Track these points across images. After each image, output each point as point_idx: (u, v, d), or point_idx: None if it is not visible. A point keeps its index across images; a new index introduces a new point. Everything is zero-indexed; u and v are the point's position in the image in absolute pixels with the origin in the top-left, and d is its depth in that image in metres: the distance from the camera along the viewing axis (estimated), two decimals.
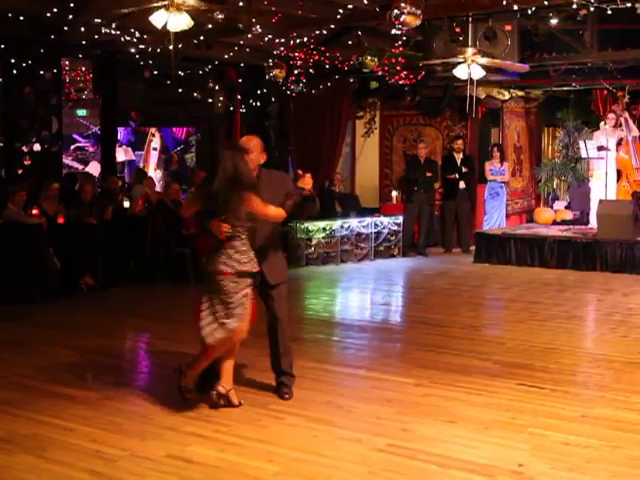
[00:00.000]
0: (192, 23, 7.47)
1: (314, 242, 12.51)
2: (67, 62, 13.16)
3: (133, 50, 11.10)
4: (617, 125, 13.60)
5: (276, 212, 5.46)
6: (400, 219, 13.63)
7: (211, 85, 13.84)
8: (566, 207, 15.26)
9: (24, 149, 11.08)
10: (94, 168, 15.34)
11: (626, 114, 13.70)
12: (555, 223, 14.37)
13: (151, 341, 7.99)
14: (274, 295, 5.76)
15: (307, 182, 5.57)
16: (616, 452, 4.78)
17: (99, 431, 5.11)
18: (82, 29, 10.24)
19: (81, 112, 16.26)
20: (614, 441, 4.94)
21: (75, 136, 16.71)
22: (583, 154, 13.54)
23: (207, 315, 5.38)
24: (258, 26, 10.45)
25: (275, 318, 5.78)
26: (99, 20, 9.91)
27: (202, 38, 10.75)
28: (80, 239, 10.11)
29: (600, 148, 12.96)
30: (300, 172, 5.68)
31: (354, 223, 13.08)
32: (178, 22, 7.38)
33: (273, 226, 5.75)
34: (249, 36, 10.91)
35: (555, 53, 12.04)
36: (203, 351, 5.50)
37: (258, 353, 6.86)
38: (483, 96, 13.82)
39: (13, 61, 10.80)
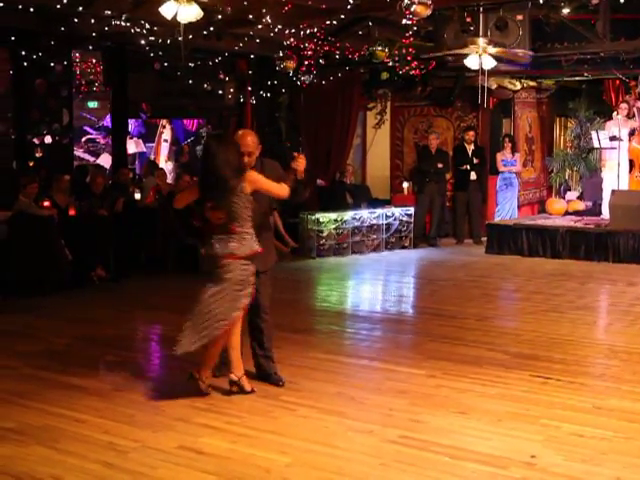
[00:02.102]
0: (202, 14, 7.45)
1: (325, 233, 12.49)
2: (77, 54, 13.15)
3: (143, 42, 11.08)
4: (630, 115, 13.52)
5: (279, 187, 5.56)
6: (411, 210, 13.59)
7: (221, 76, 13.82)
8: (578, 198, 15.18)
9: (35, 141, 11.08)
10: (105, 160, 15.34)
11: (639, 104, 13.61)
12: (567, 214, 14.30)
13: (162, 332, 7.99)
14: (262, 281, 5.77)
15: (300, 163, 5.63)
16: (630, 443, 4.75)
17: (111, 422, 5.12)
18: (92, 21, 10.24)
19: (92, 104, 16.26)
20: (628, 432, 4.92)
21: (86, 128, 16.71)
22: (595, 144, 13.46)
23: (216, 301, 5.42)
24: (268, 17, 10.43)
25: (259, 305, 5.79)
26: (109, 12, 9.91)
27: (212, 29, 10.73)
28: (91, 231, 10.11)
29: (612, 138, 12.88)
30: (295, 154, 5.72)
31: (365, 214, 13.05)
32: (188, 13, 7.37)
33: (265, 212, 5.82)
34: (259, 27, 10.89)
35: (567, 43, 11.97)
36: (210, 345, 5.51)
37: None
38: (494, 86, 13.76)
39: (24, 53, 10.79)
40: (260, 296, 5.78)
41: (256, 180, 5.48)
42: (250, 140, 5.63)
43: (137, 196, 11.92)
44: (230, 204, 5.40)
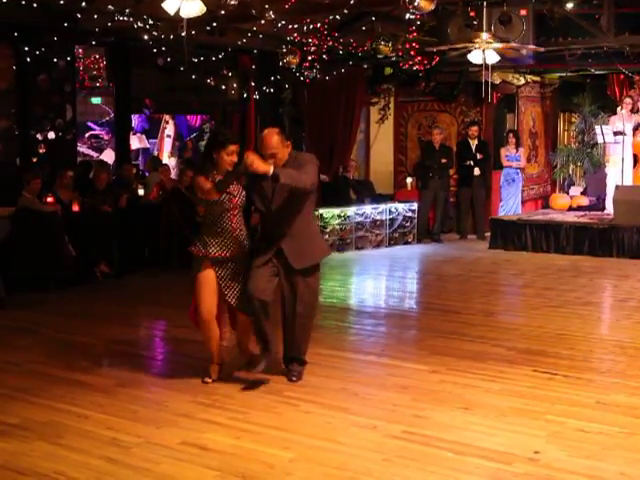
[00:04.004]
0: (205, 9, 7.44)
1: (329, 229, 12.48)
2: (81, 50, 13.14)
3: (146, 37, 11.07)
4: (634, 110, 13.50)
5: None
6: (415, 205, 13.58)
7: (224, 72, 13.80)
8: (582, 193, 15.16)
9: (39, 137, 11.09)
10: (109, 156, 15.33)
11: None
12: (571, 209, 14.28)
13: (166, 328, 8.01)
14: (299, 280, 5.70)
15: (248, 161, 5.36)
16: (632, 439, 4.75)
17: (114, 418, 5.13)
18: (95, 16, 10.23)
19: (96, 100, 16.25)
20: (630, 428, 4.91)
21: (90, 124, 16.70)
22: (599, 139, 13.43)
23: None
24: (271, 12, 10.41)
25: (302, 304, 5.74)
26: (112, 7, 9.89)
27: (215, 25, 10.71)
28: (95, 227, 10.12)
29: (616, 133, 12.85)
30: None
31: (369, 210, 13.04)
32: (191, 9, 7.35)
33: (298, 207, 5.64)
34: (262, 22, 10.87)
35: (571, 37, 11.93)
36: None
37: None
38: (498, 81, 13.73)
39: (27, 49, 10.79)
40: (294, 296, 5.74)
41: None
42: (269, 142, 5.52)
43: (141, 192, 11.93)
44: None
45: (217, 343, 5.88)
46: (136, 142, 15.98)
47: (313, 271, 5.78)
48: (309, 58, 12.63)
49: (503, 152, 14.35)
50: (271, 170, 5.31)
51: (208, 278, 5.74)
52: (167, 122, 17.13)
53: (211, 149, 5.80)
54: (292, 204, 5.63)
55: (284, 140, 5.59)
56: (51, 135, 11.19)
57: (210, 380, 5.84)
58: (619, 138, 12.82)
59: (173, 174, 13.71)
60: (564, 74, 15.02)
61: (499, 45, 10.18)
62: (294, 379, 5.85)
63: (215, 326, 5.83)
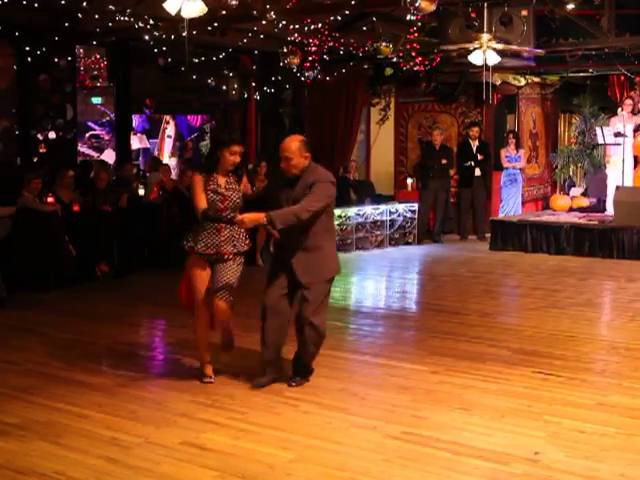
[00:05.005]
0: (206, 9, 7.44)
1: None
2: (81, 49, 13.15)
3: (147, 37, 11.09)
4: (634, 111, 13.48)
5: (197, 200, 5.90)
6: (415, 206, 13.58)
7: (225, 72, 13.81)
8: (582, 194, 15.14)
9: (39, 137, 11.10)
10: (109, 156, 15.35)
11: None
12: (571, 210, 14.25)
13: (166, 328, 8.02)
14: (305, 294, 5.66)
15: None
16: (632, 440, 4.75)
17: (114, 418, 5.13)
18: (96, 16, 10.24)
19: (96, 100, 16.27)
20: (630, 429, 4.91)
21: (90, 124, 16.72)
22: (600, 140, 13.42)
23: None
24: (272, 12, 10.41)
25: (303, 319, 5.70)
26: (113, 7, 9.90)
27: (216, 25, 10.72)
28: (95, 226, 10.12)
29: (617, 134, 12.84)
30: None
31: (369, 210, 13.04)
32: (192, 9, 7.36)
33: (309, 220, 5.61)
34: (263, 22, 10.87)
35: (571, 38, 11.93)
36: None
37: None
38: (499, 82, 13.74)
39: (28, 49, 10.81)
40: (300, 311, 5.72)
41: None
42: (287, 146, 5.68)
43: (141, 192, 11.94)
44: None
45: (205, 331, 5.95)
46: (136, 142, 16.00)
47: (320, 287, 5.72)
48: (310, 58, 12.64)
49: (503, 153, 14.35)
50: (264, 219, 5.45)
51: (198, 270, 5.91)
52: (168, 122, 17.15)
53: (215, 148, 5.93)
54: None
55: (304, 150, 5.69)
56: (52, 135, 11.20)
57: (210, 379, 5.85)
58: (620, 139, 12.82)
59: (173, 174, 13.73)
60: (565, 75, 15.02)
61: (500, 46, 10.19)
62: (293, 384, 5.82)
63: (204, 312, 5.88)
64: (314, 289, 5.67)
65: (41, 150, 11.08)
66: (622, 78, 14.50)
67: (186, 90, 14.45)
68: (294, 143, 5.68)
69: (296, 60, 12.31)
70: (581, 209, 14.16)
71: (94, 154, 16.49)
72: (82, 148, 15.71)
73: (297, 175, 5.68)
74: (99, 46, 12.66)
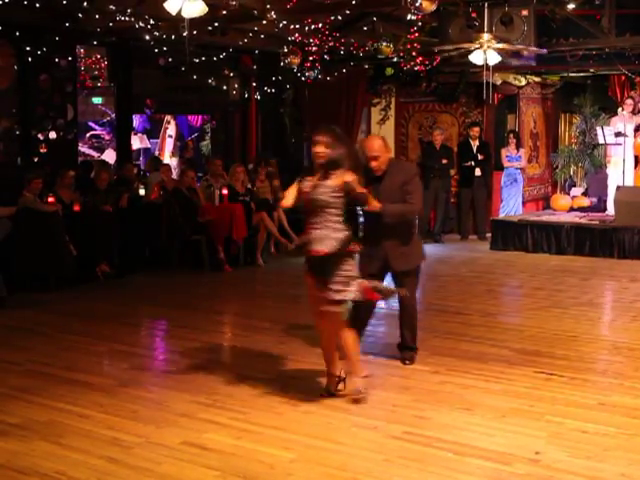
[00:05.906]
0: (206, 9, 7.44)
1: None
2: (82, 50, 13.14)
3: (148, 37, 11.07)
4: (635, 111, 13.48)
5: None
6: None
7: (226, 72, 13.80)
8: (583, 194, 15.14)
9: (40, 137, 11.08)
10: (110, 156, 15.34)
11: None
12: (572, 210, 14.25)
13: (167, 328, 8.01)
14: (399, 281, 6.14)
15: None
16: (633, 440, 4.75)
17: (115, 418, 5.13)
18: (97, 16, 10.22)
19: (97, 100, 16.27)
20: (632, 429, 4.91)
21: (91, 124, 16.72)
22: (600, 140, 13.41)
23: None
24: (273, 12, 10.41)
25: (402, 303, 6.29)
26: (114, 7, 9.89)
27: (216, 25, 10.72)
28: (96, 226, 10.12)
29: (618, 134, 12.83)
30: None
31: None
32: (192, 9, 7.35)
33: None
34: (264, 22, 10.87)
35: (572, 38, 11.94)
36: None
37: (274, 340, 6.88)
38: (499, 82, 13.73)
39: (28, 49, 10.79)
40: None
41: None
42: (372, 145, 5.93)
43: (142, 192, 11.93)
44: None
45: (329, 347, 5.62)
46: (137, 142, 16.00)
47: (410, 274, 6.18)
48: (310, 58, 12.63)
49: (504, 153, 14.34)
50: (378, 207, 5.81)
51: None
52: (168, 122, 17.15)
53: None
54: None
55: (386, 146, 6.00)
56: (52, 135, 11.19)
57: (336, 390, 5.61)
58: (620, 139, 12.81)
59: (174, 174, 13.73)
60: (565, 75, 15.01)
61: (500, 46, 10.18)
62: (407, 362, 6.29)
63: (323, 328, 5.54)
64: (406, 275, 6.13)
65: (42, 150, 11.07)
66: (623, 78, 14.48)
67: (187, 90, 14.43)
68: (377, 141, 5.98)
69: (297, 60, 12.30)
70: (582, 209, 14.16)
71: (95, 154, 16.49)
72: (83, 148, 15.71)
73: (384, 170, 5.94)
74: (100, 46, 12.65)
